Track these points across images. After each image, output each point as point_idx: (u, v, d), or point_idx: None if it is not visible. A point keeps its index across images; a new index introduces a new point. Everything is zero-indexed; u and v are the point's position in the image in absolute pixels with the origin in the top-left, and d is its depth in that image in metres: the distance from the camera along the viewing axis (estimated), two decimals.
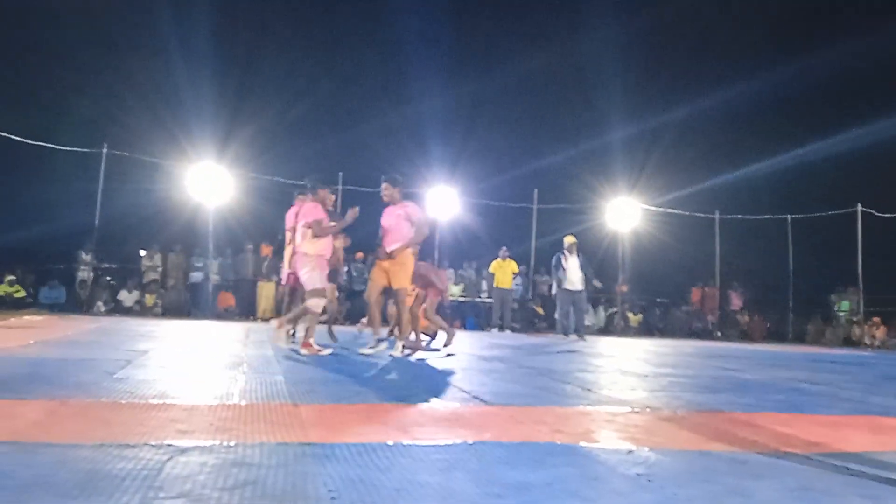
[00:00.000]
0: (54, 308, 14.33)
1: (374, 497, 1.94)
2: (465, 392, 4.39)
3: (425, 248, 8.11)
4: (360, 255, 15.56)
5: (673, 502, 2.04)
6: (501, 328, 15.85)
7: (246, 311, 15.70)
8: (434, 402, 3.96)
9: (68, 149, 14.75)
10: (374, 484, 2.07)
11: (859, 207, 17.53)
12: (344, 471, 2.21)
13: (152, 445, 2.41)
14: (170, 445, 2.43)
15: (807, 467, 2.54)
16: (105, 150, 14.97)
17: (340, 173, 15.97)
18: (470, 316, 17.15)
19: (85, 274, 15.29)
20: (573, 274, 13.12)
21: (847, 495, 2.18)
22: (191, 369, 5.00)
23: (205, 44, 18.83)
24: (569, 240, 13.34)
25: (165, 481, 1.98)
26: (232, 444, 2.52)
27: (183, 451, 2.37)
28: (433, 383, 4.82)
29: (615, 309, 18.05)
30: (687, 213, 18.75)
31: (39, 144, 14.32)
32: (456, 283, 17.16)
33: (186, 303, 15.78)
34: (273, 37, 21.29)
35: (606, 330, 17.60)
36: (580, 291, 13.24)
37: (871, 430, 3.63)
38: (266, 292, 15.88)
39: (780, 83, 21.48)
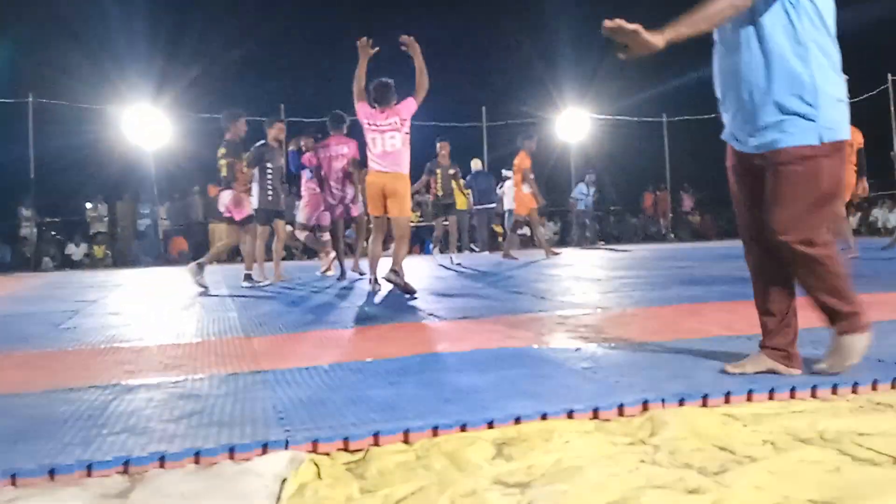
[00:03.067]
0: (0, 268, 13.90)
1: (321, 412, 1.95)
2: (421, 311, 4.42)
3: None
4: None
5: (614, 389, 2.10)
6: (460, 249, 15.94)
7: (199, 254, 15.41)
8: (389, 323, 3.98)
9: None
10: (323, 402, 2.08)
11: None
12: (294, 393, 2.21)
13: (98, 387, 2.37)
14: (116, 385, 2.40)
15: (749, 349, 2.61)
16: (31, 99, 14.22)
17: (282, 105, 15.47)
18: (428, 239, 17.17)
19: (28, 230, 14.79)
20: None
21: None
22: (141, 314, 4.92)
23: None
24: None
25: (109, 419, 1.95)
26: (181, 378, 2.50)
27: (129, 389, 2.34)
28: (388, 307, 4.83)
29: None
30: (635, 119, 18.78)
31: None
32: (413, 210, 17.08)
33: (137, 251, 15.46)
34: None
35: (563, 242, 17.83)
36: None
37: (809, 309, 3.76)
38: (219, 233, 15.60)
39: None
